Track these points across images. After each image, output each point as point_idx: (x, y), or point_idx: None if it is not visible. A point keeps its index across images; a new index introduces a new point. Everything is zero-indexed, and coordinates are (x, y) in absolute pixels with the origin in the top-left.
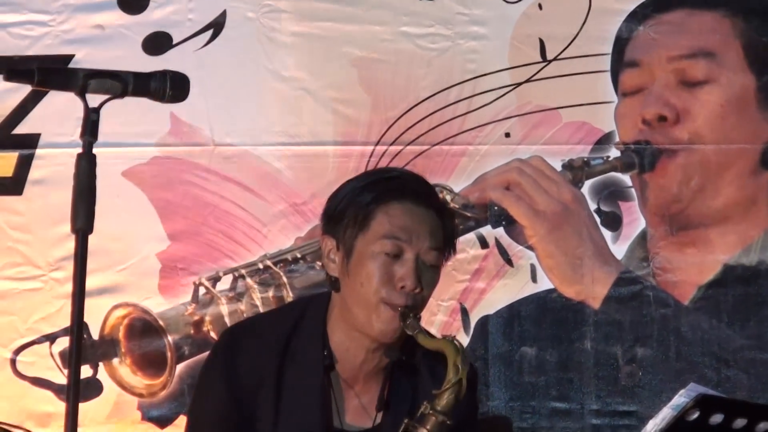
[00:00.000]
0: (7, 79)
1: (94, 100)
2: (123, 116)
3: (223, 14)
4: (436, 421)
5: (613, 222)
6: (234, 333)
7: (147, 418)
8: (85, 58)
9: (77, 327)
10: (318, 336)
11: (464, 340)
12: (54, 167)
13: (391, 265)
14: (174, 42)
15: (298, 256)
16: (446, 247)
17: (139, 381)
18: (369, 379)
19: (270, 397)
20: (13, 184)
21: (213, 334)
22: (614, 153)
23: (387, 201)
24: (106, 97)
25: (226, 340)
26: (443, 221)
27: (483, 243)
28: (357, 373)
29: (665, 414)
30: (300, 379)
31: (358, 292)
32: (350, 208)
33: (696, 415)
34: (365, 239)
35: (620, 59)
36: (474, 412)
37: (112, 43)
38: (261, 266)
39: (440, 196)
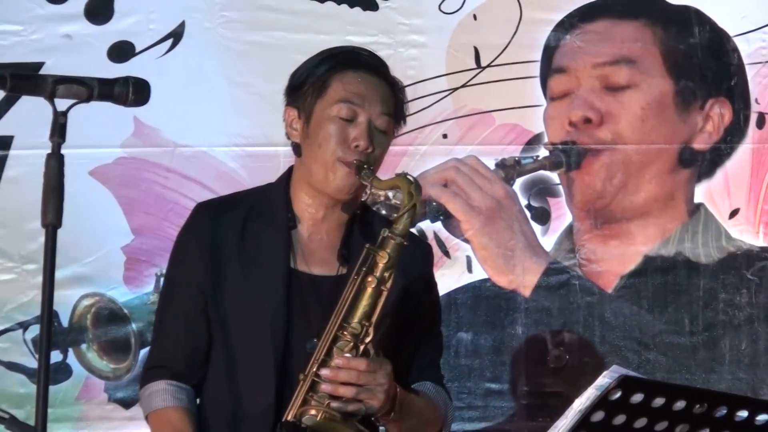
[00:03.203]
0: None
1: (62, 104)
2: (89, 119)
3: (182, 24)
4: (395, 243)
5: (542, 216)
6: (200, 205)
7: (113, 399)
8: (54, 66)
9: (47, 315)
10: (281, 199)
11: None
12: (26, 167)
13: (346, 128)
14: (136, 50)
15: None
16: (396, 114)
17: (105, 365)
18: (330, 234)
19: (234, 254)
20: None
21: None
22: (543, 153)
23: (342, 70)
24: (74, 101)
25: (192, 213)
26: (394, 91)
27: (422, 236)
28: (318, 229)
29: (590, 393)
30: (263, 235)
31: (317, 153)
32: (309, 78)
33: (618, 394)
34: (322, 104)
35: (549, 66)
36: (428, 282)
37: (79, 52)
38: None
39: (382, 193)
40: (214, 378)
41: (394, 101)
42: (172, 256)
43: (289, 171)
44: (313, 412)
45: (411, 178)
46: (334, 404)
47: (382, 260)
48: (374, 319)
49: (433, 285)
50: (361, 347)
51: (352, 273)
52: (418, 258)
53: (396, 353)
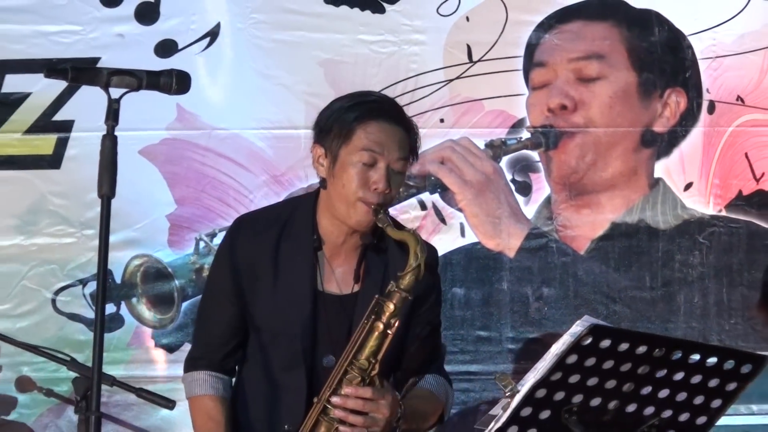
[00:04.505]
0: (47, 76)
1: (115, 93)
2: (139, 106)
3: (218, 25)
4: (400, 297)
5: (525, 189)
6: (241, 220)
7: (159, 344)
8: (108, 60)
9: (103, 273)
10: (309, 223)
11: None
12: (85, 147)
13: (366, 172)
14: (179, 47)
15: None
16: (411, 155)
17: (152, 316)
18: (348, 257)
19: (268, 270)
20: (53, 161)
21: None
22: (526, 135)
23: (366, 120)
24: (125, 90)
25: (234, 226)
26: (409, 135)
27: (422, 206)
28: (339, 252)
29: (565, 340)
30: (294, 256)
31: (341, 191)
32: (336, 123)
33: (589, 340)
34: (347, 150)
35: (530, 60)
36: (433, 286)
37: (130, 48)
38: None
39: None
40: (251, 367)
41: (408, 144)
42: (215, 261)
43: (315, 195)
44: (323, 430)
45: (419, 237)
46: (342, 428)
47: (389, 310)
48: (380, 356)
49: (437, 289)
50: (368, 380)
51: (364, 297)
52: (426, 267)
53: (403, 348)
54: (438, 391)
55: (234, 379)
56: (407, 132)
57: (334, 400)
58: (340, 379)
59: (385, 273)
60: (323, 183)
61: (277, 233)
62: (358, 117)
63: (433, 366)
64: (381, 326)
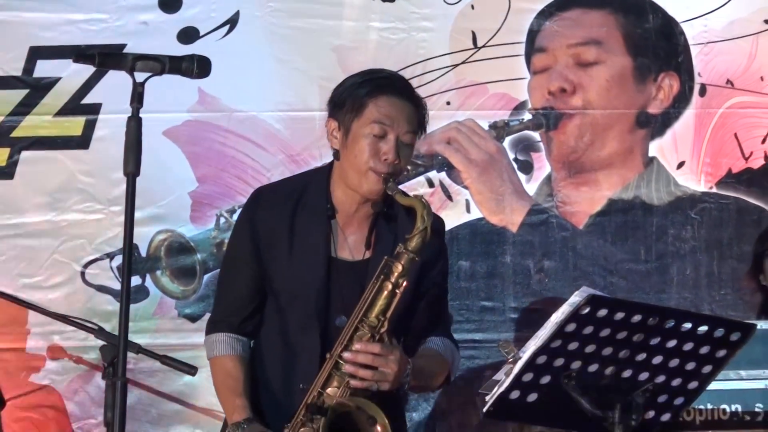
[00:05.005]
0: (76, 61)
1: (140, 77)
2: (162, 89)
3: (237, 13)
4: (408, 258)
5: (527, 167)
6: (259, 191)
7: (182, 314)
8: (134, 47)
9: (129, 247)
10: (323, 193)
11: None
12: (112, 128)
13: (377, 143)
14: (200, 34)
15: None
16: (419, 129)
17: (176, 287)
18: (360, 225)
19: (285, 237)
20: (82, 141)
21: None
22: (527, 116)
23: (377, 95)
24: (149, 74)
25: (253, 197)
26: (418, 110)
27: (430, 183)
28: (351, 220)
29: (564, 309)
30: (309, 224)
31: (353, 162)
32: (349, 98)
33: (587, 310)
34: (359, 123)
35: (532, 46)
36: (440, 252)
37: (154, 35)
38: None
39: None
40: (268, 328)
41: (417, 119)
42: (234, 230)
43: (330, 167)
44: (335, 384)
45: (425, 202)
46: (353, 382)
47: (397, 270)
48: (389, 314)
49: (443, 256)
50: (377, 336)
51: (375, 263)
52: (431, 245)
53: (411, 313)
54: (444, 352)
55: (252, 342)
56: (416, 107)
57: (345, 355)
58: (351, 336)
59: (395, 241)
60: (336, 155)
61: (294, 203)
62: (370, 92)
63: (440, 329)
64: (390, 286)
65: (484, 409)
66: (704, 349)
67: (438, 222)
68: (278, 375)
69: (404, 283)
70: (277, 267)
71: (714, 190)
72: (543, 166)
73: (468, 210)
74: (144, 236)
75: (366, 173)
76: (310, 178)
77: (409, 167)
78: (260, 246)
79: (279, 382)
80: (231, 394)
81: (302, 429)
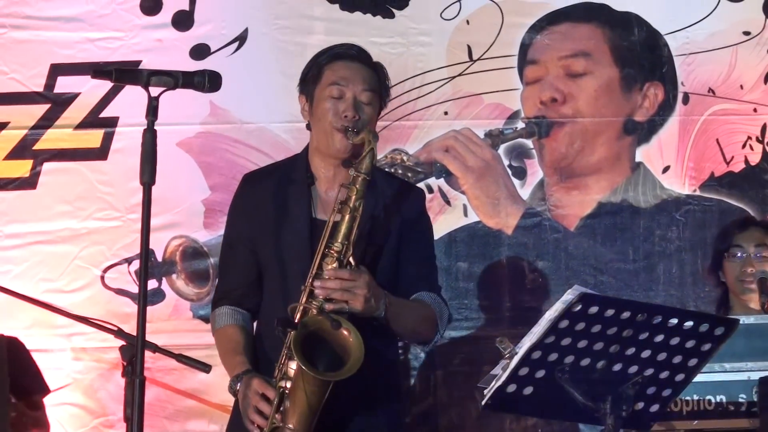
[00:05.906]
0: (94, 77)
1: (155, 91)
2: (176, 102)
3: (246, 30)
4: (361, 180)
5: (520, 173)
6: (245, 176)
7: (196, 316)
8: (148, 63)
9: (145, 252)
10: (303, 164)
11: None
12: (128, 140)
13: (337, 104)
14: (212, 50)
15: None
16: (379, 88)
17: (190, 290)
18: (338, 187)
19: (272, 208)
20: (101, 153)
21: None
22: (521, 125)
23: (332, 60)
24: (163, 89)
25: (241, 182)
26: (374, 72)
27: (430, 189)
28: (332, 185)
29: (557, 307)
30: (293, 193)
31: (318, 125)
32: (310, 70)
33: (579, 307)
34: (319, 88)
35: (524, 59)
36: (421, 214)
37: (168, 52)
38: None
39: (399, 157)
40: (265, 306)
41: (375, 79)
42: (228, 216)
43: (308, 143)
44: (312, 312)
45: (373, 132)
46: (327, 306)
47: (353, 193)
48: (352, 238)
49: (423, 218)
50: (344, 261)
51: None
52: (411, 199)
53: (397, 275)
54: (431, 303)
55: (255, 320)
56: (372, 69)
57: (316, 283)
58: (319, 264)
59: (374, 203)
60: (308, 126)
61: (277, 178)
62: (326, 59)
63: (428, 286)
64: (348, 209)
65: (483, 402)
66: (690, 343)
67: (420, 190)
68: (276, 345)
69: (361, 205)
70: (267, 238)
71: (698, 192)
72: (536, 172)
73: (465, 214)
74: (160, 242)
75: (331, 133)
76: (294, 157)
77: (409, 174)
78: (252, 222)
79: (276, 352)
80: (232, 354)
81: (289, 362)
